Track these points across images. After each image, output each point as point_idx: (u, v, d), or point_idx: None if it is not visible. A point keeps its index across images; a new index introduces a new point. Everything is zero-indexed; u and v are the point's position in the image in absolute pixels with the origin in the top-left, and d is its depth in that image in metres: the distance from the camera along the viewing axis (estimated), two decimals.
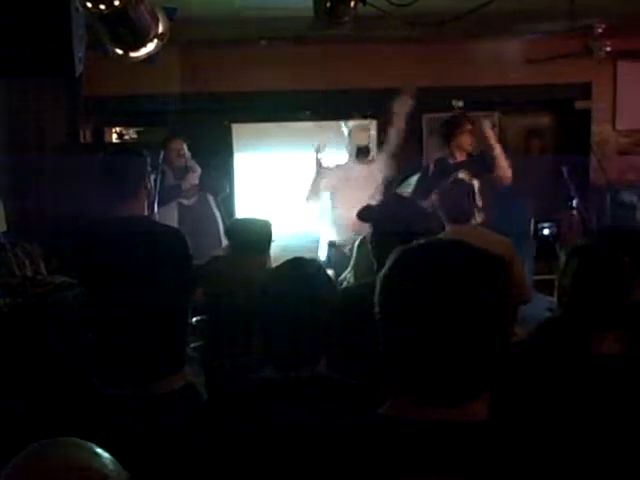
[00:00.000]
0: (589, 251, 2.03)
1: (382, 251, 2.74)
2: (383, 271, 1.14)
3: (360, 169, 5.08)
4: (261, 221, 3.59)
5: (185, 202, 5.20)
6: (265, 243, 3.45)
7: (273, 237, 3.56)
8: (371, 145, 5.22)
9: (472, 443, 1.05)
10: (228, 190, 5.57)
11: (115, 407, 2.63)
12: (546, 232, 3.84)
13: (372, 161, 5.14)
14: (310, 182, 5.14)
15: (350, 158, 5.13)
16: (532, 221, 3.85)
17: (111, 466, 1.02)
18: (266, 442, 1.59)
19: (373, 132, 5.41)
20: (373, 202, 4.39)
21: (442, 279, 1.08)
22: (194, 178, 5.21)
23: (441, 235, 3.60)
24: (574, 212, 4.52)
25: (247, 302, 3.14)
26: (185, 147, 5.25)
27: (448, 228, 3.59)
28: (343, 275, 3.80)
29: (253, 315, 3.22)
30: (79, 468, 0.99)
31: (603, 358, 1.84)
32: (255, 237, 3.43)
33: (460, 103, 5.51)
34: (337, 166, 5.20)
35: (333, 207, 5.08)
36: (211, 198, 5.33)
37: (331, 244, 4.99)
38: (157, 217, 4.41)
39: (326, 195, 5.12)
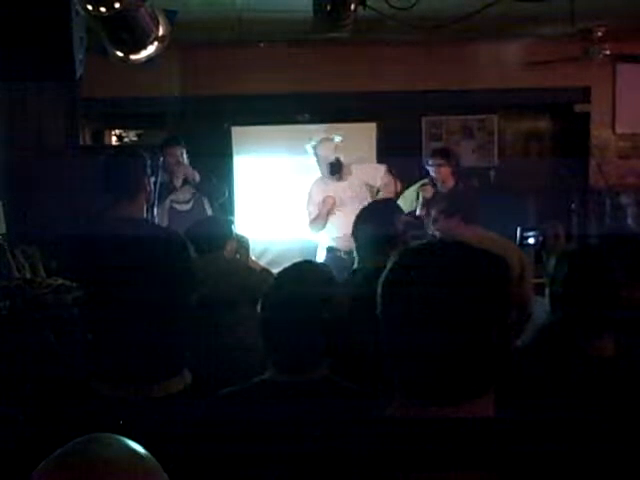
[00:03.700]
0: (578, 256, 2.05)
1: (366, 255, 2.78)
2: (384, 273, 1.14)
3: (336, 187, 4.89)
4: (216, 219, 3.90)
5: (179, 207, 5.16)
6: (220, 239, 3.56)
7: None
8: (341, 157, 4.91)
9: (478, 439, 1.06)
10: (227, 195, 5.54)
11: (114, 410, 2.63)
12: (531, 241, 3.85)
13: (349, 174, 4.93)
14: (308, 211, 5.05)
15: (325, 177, 4.93)
16: (518, 230, 3.87)
17: (150, 463, 1.03)
18: (267, 443, 1.59)
19: (338, 143, 4.97)
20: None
21: (441, 280, 1.09)
22: (187, 175, 5.14)
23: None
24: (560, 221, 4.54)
25: (214, 297, 3.23)
26: (184, 153, 5.20)
27: (460, 231, 3.52)
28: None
29: (222, 310, 3.28)
30: (118, 463, 1.00)
31: (599, 360, 1.85)
32: (211, 235, 3.53)
33: None
34: (316, 185, 5.03)
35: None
36: (207, 204, 5.31)
37: (329, 249, 4.96)
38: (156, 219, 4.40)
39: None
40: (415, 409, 1.09)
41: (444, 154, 5.00)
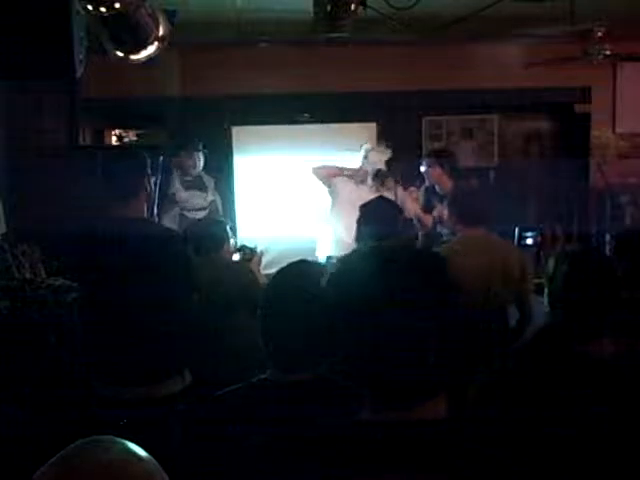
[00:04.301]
0: (577, 257, 2.04)
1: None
2: (327, 278, 1.15)
3: (364, 190, 4.90)
4: (212, 221, 3.97)
5: (191, 215, 5.16)
6: (218, 241, 3.58)
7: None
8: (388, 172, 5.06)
9: (433, 441, 1.06)
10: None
11: (114, 410, 2.63)
12: (529, 241, 3.86)
13: (386, 190, 4.96)
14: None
15: (366, 179, 5.00)
16: (516, 230, 3.88)
17: (150, 465, 1.03)
18: (266, 443, 1.59)
19: (389, 156, 5.11)
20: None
21: (386, 282, 1.09)
22: (201, 198, 5.21)
23: (454, 240, 3.59)
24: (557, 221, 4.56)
25: (214, 297, 3.24)
26: (202, 158, 5.23)
27: (460, 233, 3.52)
28: None
29: (219, 311, 3.29)
30: (119, 467, 1.00)
31: (598, 360, 1.85)
32: (209, 237, 3.55)
33: None
34: (345, 179, 5.07)
35: (334, 222, 5.03)
36: (220, 207, 5.34)
37: (329, 258, 4.94)
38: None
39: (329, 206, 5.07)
40: (374, 412, 1.09)
41: (435, 155, 5.07)
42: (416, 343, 1.07)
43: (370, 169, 4.99)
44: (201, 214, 5.17)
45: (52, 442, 1.16)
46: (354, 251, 1.19)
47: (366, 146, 5.16)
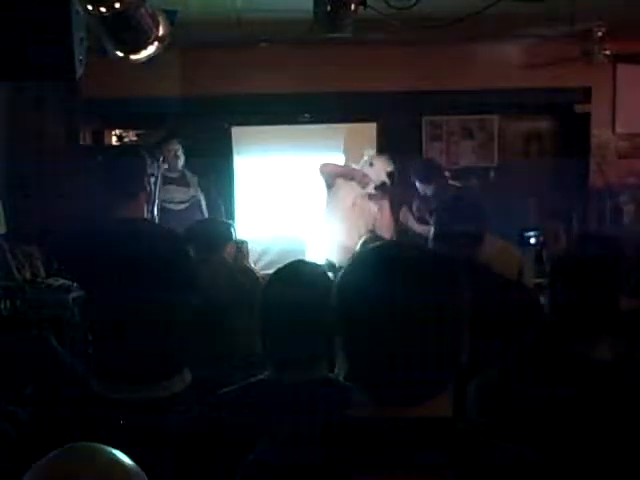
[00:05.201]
0: (575, 259, 2.04)
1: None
2: (339, 275, 1.15)
3: (369, 202, 4.93)
4: (216, 221, 4.03)
5: (173, 207, 5.22)
6: (221, 241, 3.62)
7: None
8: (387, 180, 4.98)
9: (436, 439, 1.06)
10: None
11: (113, 410, 2.63)
12: (532, 241, 3.86)
13: (381, 201, 4.97)
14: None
15: (368, 185, 4.93)
16: (519, 230, 3.88)
17: (133, 471, 1.03)
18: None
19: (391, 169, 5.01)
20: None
21: (396, 281, 1.09)
22: (182, 192, 5.28)
23: None
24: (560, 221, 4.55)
25: (213, 299, 3.24)
26: (181, 150, 5.31)
27: None
28: None
29: (220, 311, 3.29)
30: (103, 471, 1.00)
31: (596, 363, 1.85)
32: (211, 237, 3.58)
33: None
34: (353, 178, 4.99)
35: (333, 224, 4.99)
36: (205, 207, 5.38)
37: (330, 264, 4.92)
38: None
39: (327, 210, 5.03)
40: (374, 409, 1.09)
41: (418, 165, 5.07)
42: (421, 342, 1.07)
43: (375, 177, 4.88)
44: (181, 207, 5.25)
45: (52, 442, 1.16)
46: (368, 250, 1.19)
47: (370, 152, 5.09)
